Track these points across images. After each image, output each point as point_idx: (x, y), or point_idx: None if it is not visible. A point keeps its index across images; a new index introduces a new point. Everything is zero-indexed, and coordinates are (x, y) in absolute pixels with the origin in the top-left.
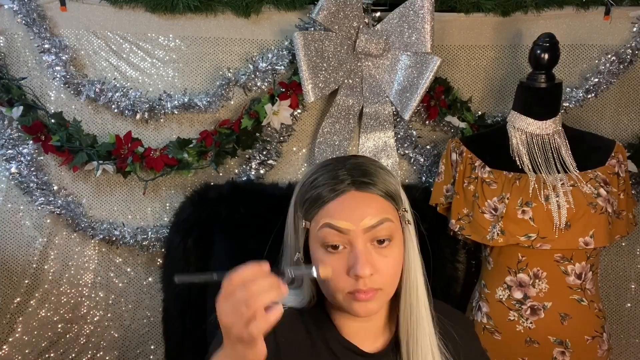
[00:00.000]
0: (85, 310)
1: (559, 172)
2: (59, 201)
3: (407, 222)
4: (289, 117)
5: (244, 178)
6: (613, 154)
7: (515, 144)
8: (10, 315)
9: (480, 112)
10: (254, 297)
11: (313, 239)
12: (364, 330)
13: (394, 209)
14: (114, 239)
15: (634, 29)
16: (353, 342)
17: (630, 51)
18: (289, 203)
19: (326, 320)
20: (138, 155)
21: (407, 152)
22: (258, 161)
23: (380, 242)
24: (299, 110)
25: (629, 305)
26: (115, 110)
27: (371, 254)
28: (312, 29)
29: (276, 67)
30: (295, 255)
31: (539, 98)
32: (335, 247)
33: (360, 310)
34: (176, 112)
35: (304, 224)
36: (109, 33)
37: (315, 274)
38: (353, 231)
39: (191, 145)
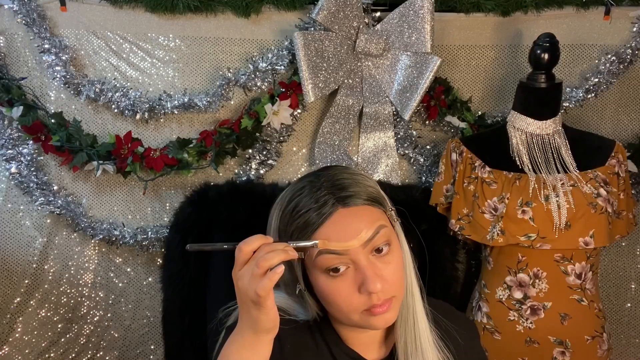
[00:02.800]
0: (85, 310)
1: (559, 172)
2: (59, 201)
3: (395, 220)
4: (289, 117)
5: (244, 178)
6: (613, 154)
7: (515, 144)
8: (10, 315)
9: (480, 112)
10: (263, 258)
11: (311, 268)
12: (368, 339)
13: (383, 212)
14: (114, 239)
15: (634, 29)
16: (357, 351)
17: (630, 51)
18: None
19: (331, 331)
20: (138, 155)
21: (407, 152)
22: (258, 161)
23: (379, 250)
24: (299, 110)
25: (629, 305)
26: (115, 110)
27: (376, 265)
28: (312, 29)
29: (276, 67)
30: (296, 288)
31: (539, 98)
32: (336, 270)
33: (380, 324)
34: (176, 112)
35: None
36: (109, 33)
37: (312, 244)
38: (353, 250)
39: (191, 145)
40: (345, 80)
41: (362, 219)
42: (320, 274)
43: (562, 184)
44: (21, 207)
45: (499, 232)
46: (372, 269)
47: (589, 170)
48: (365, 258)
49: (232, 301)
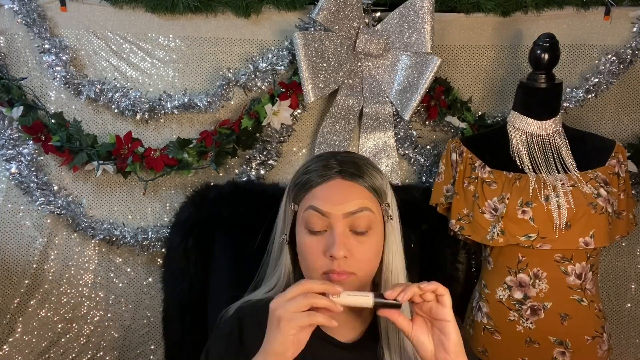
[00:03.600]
0: (85, 310)
1: (559, 172)
2: (59, 201)
3: (389, 217)
4: (289, 117)
5: (245, 178)
6: (613, 154)
7: (515, 144)
8: (10, 315)
9: (480, 112)
10: (314, 315)
11: (299, 221)
12: (340, 320)
13: (377, 202)
14: (114, 239)
15: (634, 29)
16: (328, 333)
17: (630, 51)
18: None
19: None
20: (138, 155)
21: (407, 152)
22: (258, 161)
23: (359, 233)
24: (299, 110)
25: (629, 305)
26: (116, 111)
27: (349, 238)
28: (312, 29)
29: (276, 67)
30: (281, 236)
31: (539, 98)
32: (315, 230)
33: None
34: (176, 112)
35: (292, 206)
36: (109, 33)
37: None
38: (334, 215)
39: (191, 146)
40: (345, 81)
41: (353, 194)
42: (303, 228)
43: (562, 184)
44: (21, 207)
45: (499, 232)
46: (343, 238)
47: (589, 171)
48: (342, 227)
49: (232, 302)
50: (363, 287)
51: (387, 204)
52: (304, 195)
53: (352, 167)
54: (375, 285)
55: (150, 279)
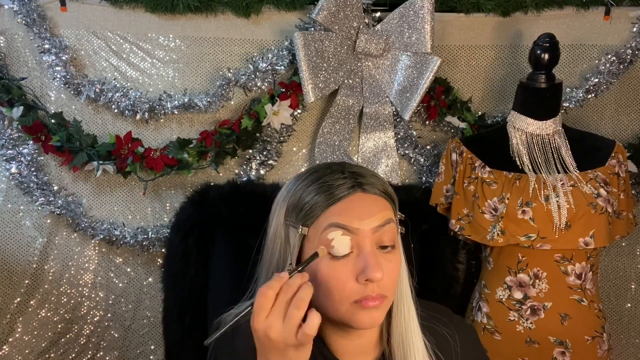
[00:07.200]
0: (85, 311)
1: (559, 172)
2: (59, 201)
3: (398, 229)
4: (289, 117)
5: (245, 178)
6: (613, 154)
7: (515, 144)
8: (11, 315)
9: (480, 112)
10: (298, 298)
11: (313, 244)
12: (356, 347)
13: (394, 211)
14: (114, 239)
15: (634, 29)
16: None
17: (630, 51)
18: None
19: (315, 337)
20: (138, 155)
21: (407, 152)
22: (258, 161)
23: (384, 247)
24: (299, 111)
25: (629, 305)
26: (116, 111)
27: (379, 258)
28: (312, 29)
29: (276, 67)
30: (287, 265)
31: (539, 98)
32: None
33: (366, 320)
34: (176, 112)
35: (300, 229)
36: (109, 33)
37: (313, 255)
38: (362, 231)
39: (191, 146)
40: (346, 81)
41: (377, 205)
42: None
43: (562, 184)
44: (21, 207)
45: (499, 232)
46: (375, 258)
47: (589, 171)
48: (370, 246)
49: (232, 303)
50: (387, 309)
51: (399, 214)
52: (319, 214)
53: (365, 178)
54: None
55: (150, 279)
